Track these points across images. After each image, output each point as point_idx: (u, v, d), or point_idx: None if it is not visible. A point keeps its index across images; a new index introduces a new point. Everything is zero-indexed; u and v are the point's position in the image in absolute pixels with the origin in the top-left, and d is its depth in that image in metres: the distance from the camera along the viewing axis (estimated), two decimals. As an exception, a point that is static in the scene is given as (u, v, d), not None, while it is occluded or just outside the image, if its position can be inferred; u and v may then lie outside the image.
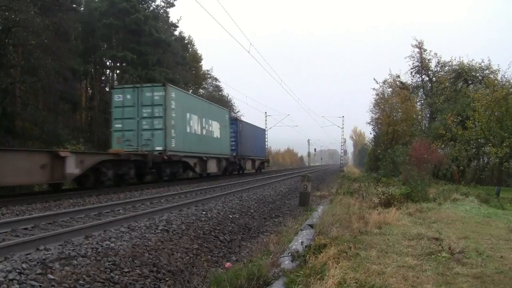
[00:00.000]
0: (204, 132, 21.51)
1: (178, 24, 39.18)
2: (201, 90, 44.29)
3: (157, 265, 5.79)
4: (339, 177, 35.01)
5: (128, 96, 17.36)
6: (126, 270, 5.30)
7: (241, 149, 28.95)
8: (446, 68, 31.54)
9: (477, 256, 5.29)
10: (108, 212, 9.12)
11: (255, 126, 35.78)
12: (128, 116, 17.28)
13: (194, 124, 20.26)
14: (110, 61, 31.51)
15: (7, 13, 19.86)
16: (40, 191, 13.10)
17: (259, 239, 8.49)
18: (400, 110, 32.88)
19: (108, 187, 13.91)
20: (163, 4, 35.51)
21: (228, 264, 5.97)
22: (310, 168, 58.51)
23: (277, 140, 79.39)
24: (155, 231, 7.12)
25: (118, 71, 31.39)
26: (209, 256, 6.94)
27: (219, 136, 23.90)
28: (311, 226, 7.45)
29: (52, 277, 4.49)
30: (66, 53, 23.48)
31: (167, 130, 17.06)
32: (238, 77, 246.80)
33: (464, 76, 29.57)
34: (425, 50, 31.80)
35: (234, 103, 50.01)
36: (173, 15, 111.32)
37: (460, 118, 23.79)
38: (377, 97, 36.33)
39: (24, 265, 4.58)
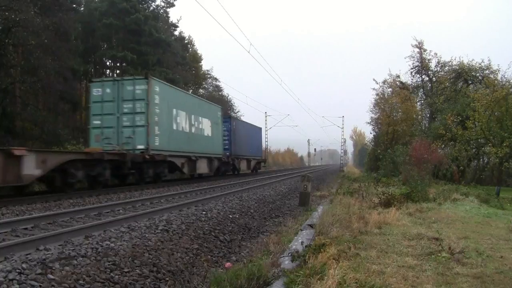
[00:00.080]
0: (193, 130, 20.27)
1: (178, 24, 39.26)
2: (201, 90, 44.32)
3: (157, 265, 5.79)
4: (339, 177, 35.01)
5: (108, 90, 16.03)
6: (126, 270, 5.30)
7: (235, 148, 27.84)
8: (446, 68, 31.58)
9: (477, 256, 5.29)
10: (108, 212, 9.12)
11: (250, 124, 34.80)
12: (107, 112, 15.99)
13: (182, 121, 18.97)
14: (110, 61, 31.53)
15: (7, 13, 19.88)
16: (40, 191, 13.07)
17: (259, 239, 8.48)
18: (400, 110, 32.89)
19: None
20: (163, 4, 35.58)
21: (228, 264, 5.97)
22: (310, 168, 58.52)
23: (277, 140, 79.38)
24: (155, 231, 7.12)
25: (118, 71, 31.38)
26: (209, 256, 6.93)
27: (210, 135, 22.63)
28: (311, 226, 7.45)
29: (52, 277, 4.48)
30: (66, 53, 23.48)
31: (150, 127, 15.85)
32: (238, 77, 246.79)
33: (464, 76, 29.57)
34: (425, 50, 31.85)
35: (234, 103, 50.17)
36: (173, 15, 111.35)
37: (460, 118, 23.79)
38: (377, 97, 36.39)
39: (24, 265, 4.58)
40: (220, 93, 48.50)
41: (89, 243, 5.87)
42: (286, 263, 4.99)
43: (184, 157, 19.07)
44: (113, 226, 7.25)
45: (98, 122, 16.09)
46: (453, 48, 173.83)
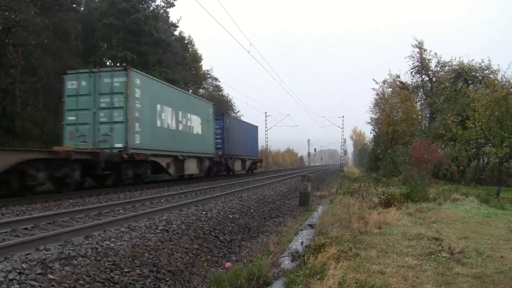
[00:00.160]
0: (180, 127, 18.85)
1: (178, 24, 39.24)
2: (201, 90, 44.34)
3: (157, 265, 5.79)
4: (339, 177, 35.01)
5: (84, 83, 14.66)
6: (126, 270, 5.30)
7: (229, 147, 26.42)
8: (446, 68, 31.59)
9: (477, 256, 5.29)
10: (108, 212, 9.12)
11: (245, 122, 33.92)
12: (83, 107, 14.62)
13: (167, 118, 17.56)
14: (110, 61, 31.49)
15: (7, 13, 19.90)
16: (40, 191, 13.05)
17: (259, 239, 8.48)
18: (400, 110, 32.90)
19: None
20: (163, 4, 35.58)
21: (228, 264, 5.97)
22: (310, 168, 58.51)
23: (277, 140, 79.41)
24: (155, 231, 7.12)
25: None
26: (209, 256, 6.93)
27: (200, 132, 21.17)
28: (311, 226, 7.45)
29: (52, 277, 4.48)
30: (66, 53, 23.50)
31: (129, 124, 14.48)
32: (238, 77, 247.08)
33: (464, 76, 29.58)
34: (425, 50, 31.87)
35: (234, 103, 50.17)
36: (173, 15, 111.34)
37: (460, 118, 23.80)
38: (377, 97, 36.41)
39: (24, 265, 4.58)
40: (220, 93, 48.57)
41: (89, 243, 5.87)
42: (286, 263, 4.99)
43: (170, 156, 17.78)
44: (113, 226, 7.25)
45: (73, 118, 14.73)
46: (453, 48, 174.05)
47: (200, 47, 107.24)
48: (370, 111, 38.72)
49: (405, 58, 33.28)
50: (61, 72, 22.27)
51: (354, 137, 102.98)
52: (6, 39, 20.11)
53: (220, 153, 24.96)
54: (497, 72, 27.11)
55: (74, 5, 28.27)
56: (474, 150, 24.38)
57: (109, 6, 28.45)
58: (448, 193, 13.30)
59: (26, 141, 19.42)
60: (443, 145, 24.86)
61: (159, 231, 7.15)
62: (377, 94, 36.18)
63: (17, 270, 4.42)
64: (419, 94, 34.82)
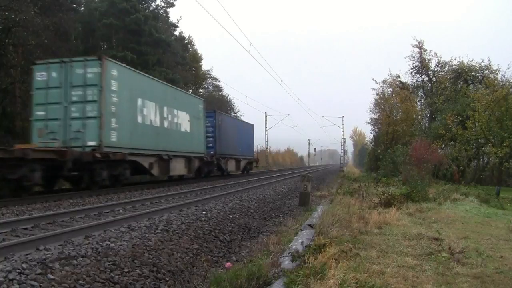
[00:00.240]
0: (165, 124, 17.52)
1: (178, 24, 39.23)
2: (201, 90, 44.35)
3: (157, 265, 5.79)
4: (339, 177, 35.03)
5: (54, 74, 13.30)
6: (126, 270, 5.31)
7: (221, 146, 24.98)
8: (446, 68, 31.63)
9: (477, 256, 5.29)
10: (108, 212, 9.12)
11: (239, 120, 32.80)
12: (53, 101, 13.23)
13: (150, 113, 16.22)
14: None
15: (7, 13, 19.91)
16: (40, 191, 13.05)
17: (259, 239, 8.49)
18: (400, 110, 32.93)
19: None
20: (163, 4, 35.56)
21: (228, 264, 5.97)
22: (310, 168, 58.53)
23: (277, 140, 79.40)
24: (155, 231, 7.12)
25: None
26: (209, 256, 6.94)
27: (188, 130, 19.78)
28: (311, 226, 7.45)
29: (52, 277, 4.48)
30: (66, 53, 23.41)
31: (104, 119, 13.17)
32: (238, 77, 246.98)
33: (464, 76, 29.60)
34: (425, 50, 31.90)
35: (234, 103, 50.18)
36: (173, 15, 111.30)
37: (460, 118, 23.82)
38: (377, 97, 36.46)
39: (24, 265, 4.58)
40: (220, 93, 48.60)
41: (89, 243, 5.87)
42: (286, 263, 5.00)
43: (153, 156, 16.38)
44: (113, 226, 7.25)
45: (42, 113, 13.29)
46: (453, 48, 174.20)
47: (200, 47, 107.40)
48: (370, 111, 38.87)
49: (405, 58, 33.42)
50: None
51: (354, 137, 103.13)
52: (6, 39, 20.12)
53: (211, 152, 23.74)
54: (497, 72, 27.19)
55: (74, 5, 28.29)
56: (474, 150, 24.39)
57: (109, 6, 28.45)
58: (448, 193, 13.31)
59: (26, 141, 19.42)
60: (443, 145, 24.88)
61: (159, 231, 7.15)
62: (377, 94, 36.29)
63: (17, 270, 4.42)
64: (419, 94, 34.87)
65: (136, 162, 15.25)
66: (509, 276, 4.46)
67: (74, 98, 13.22)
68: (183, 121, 19.31)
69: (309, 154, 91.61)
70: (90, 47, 29.34)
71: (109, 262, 5.29)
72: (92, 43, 29.48)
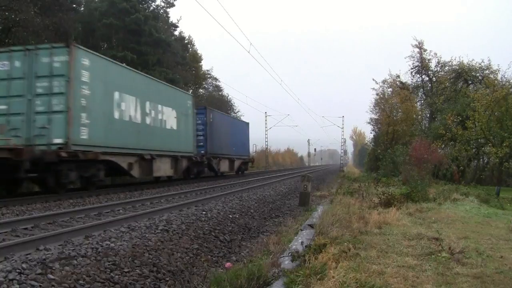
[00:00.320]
0: (148, 121, 15.98)
1: (178, 24, 39.15)
2: (201, 90, 44.34)
3: (157, 265, 5.79)
4: (339, 177, 35.03)
5: (17, 64, 11.87)
6: (126, 270, 5.31)
7: (212, 145, 23.35)
8: (446, 68, 31.64)
9: (477, 256, 5.28)
10: (108, 212, 9.13)
11: (233, 118, 31.67)
12: (16, 93, 11.79)
13: (130, 109, 14.73)
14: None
15: (7, 13, 19.89)
16: (40, 191, 13.04)
17: (259, 239, 8.49)
18: (400, 110, 32.94)
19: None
20: (163, 4, 35.52)
21: (228, 264, 5.97)
22: (310, 168, 58.52)
23: (277, 140, 79.33)
24: (155, 231, 7.12)
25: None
26: (209, 256, 6.94)
27: (175, 128, 18.32)
28: (311, 226, 7.45)
29: (52, 277, 4.49)
30: (66, 53, 23.49)
31: (72, 114, 11.65)
32: (238, 77, 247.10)
33: (464, 76, 29.61)
34: (425, 50, 31.90)
35: (234, 103, 50.11)
36: (173, 15, 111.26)
37: (460, 118, 23.83)
38: (377, 97, 36.46)
39: (24, 265, 4.58)
40: (220, 93, 48.54)
41: (89, 243, 5.87)
42: (286, 263, 5.00)
43: (132, 155, 14.89)
44: (113, 226, 7.25)
45: (4, 107, 11.83)
46: (453, 48, 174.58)
47: (200, 47, 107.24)
48: (370, 111, 38.88)
49: (405, 58, 33.43)
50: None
51: (354, 137, 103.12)
52: (6, 39, 20.11)
53: (202, 151, 22.23)
54: (497, 72, 27.19)
55: (74, 5, 28.23)
56: (474, 150, 24.40)
57: (109, 6, 28.45)
58: (448, 193, 13.30)
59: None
60: (443, 145, 24.88)
61: (159, 231, 7.15)
62: (377, 94, 36.29)
63: (17, 270, 4.42)
64: (419, 94, 34.88)
65: (112, 162, 13.73)
66: (509, 276, 4.45)
67: (39, 90, 11.74)
68: (169, 117, 17.88)
69: (309, 154, 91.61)
70: (90, 47, 29.16)
71: (109, 262, 5.30)
72: (92, 43, 29.43)
